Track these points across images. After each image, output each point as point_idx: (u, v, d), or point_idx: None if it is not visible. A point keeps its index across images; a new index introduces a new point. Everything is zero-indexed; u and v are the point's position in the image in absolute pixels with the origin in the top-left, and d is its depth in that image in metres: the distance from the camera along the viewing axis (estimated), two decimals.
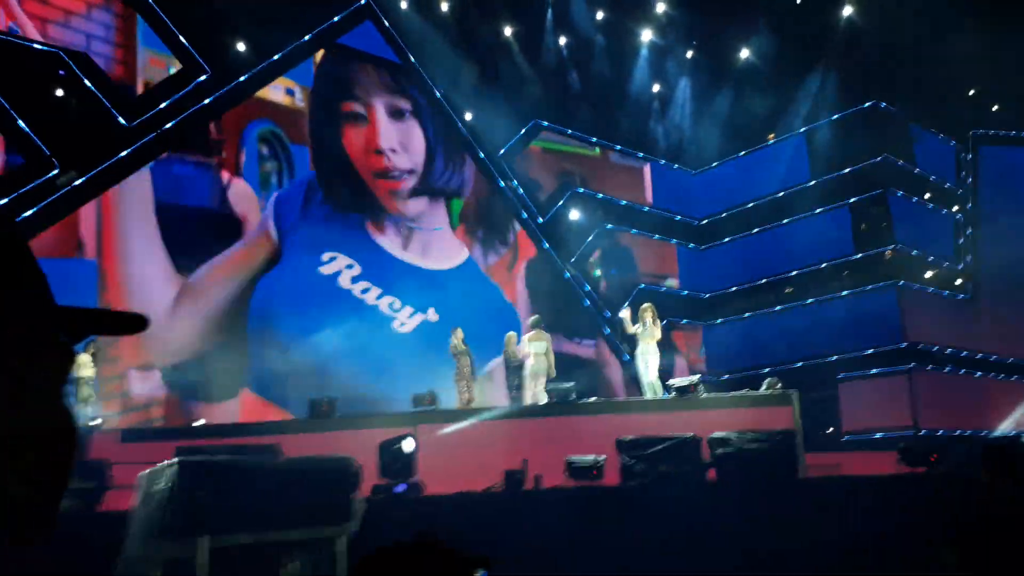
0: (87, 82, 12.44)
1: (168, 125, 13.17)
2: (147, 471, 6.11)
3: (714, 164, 19.18)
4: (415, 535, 1.37)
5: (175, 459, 6.24)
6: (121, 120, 12.76)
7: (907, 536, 5.75)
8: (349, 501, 6.88)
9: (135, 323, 0.77)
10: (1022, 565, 2.49)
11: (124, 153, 12.73)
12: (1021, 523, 2.60)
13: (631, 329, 11.89)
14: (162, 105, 13.17)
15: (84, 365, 9.98)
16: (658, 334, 11.81)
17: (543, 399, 11.30)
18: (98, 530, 6.33)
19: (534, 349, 11.63)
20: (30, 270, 0.69)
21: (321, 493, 6.71)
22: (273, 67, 14.39)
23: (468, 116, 16.52)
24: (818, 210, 17.14)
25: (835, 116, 17.21)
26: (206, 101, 13.57)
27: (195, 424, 10.42)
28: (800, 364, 15.24)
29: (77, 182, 12.27)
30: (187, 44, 13.49)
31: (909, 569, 5.15)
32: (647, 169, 19.12)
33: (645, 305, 12.04)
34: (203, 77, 13.60)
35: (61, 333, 0.70)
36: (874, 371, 15.31)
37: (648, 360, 11.69)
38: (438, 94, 16.23)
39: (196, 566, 5.71)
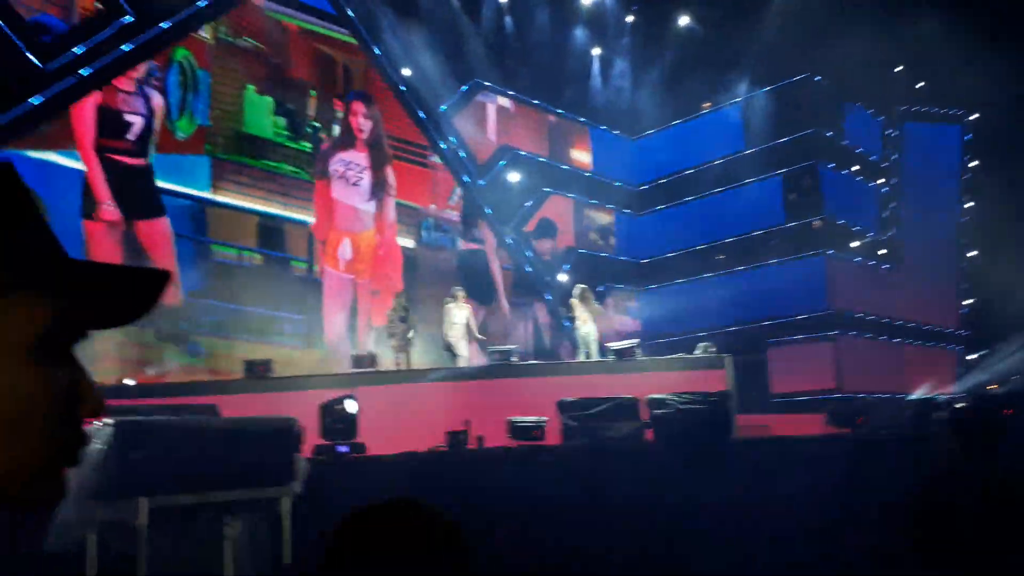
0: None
1: (85, 72, 12.48)
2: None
3: (652, 131, 19.35)
4: (394, 497, 1.32)
5: (110, 419, 6.03)
6: (36, 62, 12.01)
7: (842, 493, 6.03)
8: (292, 461, 6.79)
9: (160, 278, 0.70)
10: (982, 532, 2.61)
11: (39, 97, 12.00)
12: (988, 490, 2.72)
13: (576, 313, 12.25)
14: (80, 48, 12.44)
15: None
16: (598, 309, 12.26)
17: (463, 363, 11.54)
18: None
19: (456, 317, 11.81)
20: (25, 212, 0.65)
21: (263, 453, 6.60)
22: (201, 13, 13.74)
23: (406, 72, 16.18)
24: (751, 180, 17.54)
25: (769, 88, 17.55)
26: (127, 47, 12.89)
27: (125, 382, 10.07)
28: (732, 329, 15.68)
29: None
30: None
31: (846, 527, 5.40)
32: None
33: (583, 290, 12.35)
34: (127, 19, 12.92)
35: (42, 283, 0.65)
36: (802, 336, 15.88)
37: (589, 334, 12.02)
38: (376, 50, 15.83)
39: (135, 528, 5.56)
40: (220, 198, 13.70)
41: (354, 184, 15.41)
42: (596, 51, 18.74)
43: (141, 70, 13.23)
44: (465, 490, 7.09)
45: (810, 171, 17.00)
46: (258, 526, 6.48)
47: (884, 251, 18.11)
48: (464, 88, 17.10)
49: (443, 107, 16.58)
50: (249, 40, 14.42)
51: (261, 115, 14.55)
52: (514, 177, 17.37)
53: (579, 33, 18.21)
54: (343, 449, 8.03)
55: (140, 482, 5.75)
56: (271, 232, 14.29)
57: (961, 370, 18.33)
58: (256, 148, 14.35)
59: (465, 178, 16.83)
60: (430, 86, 16.20)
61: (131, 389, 9.72)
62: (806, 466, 6.80)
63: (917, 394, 13.74)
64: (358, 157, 15.52)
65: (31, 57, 11.94)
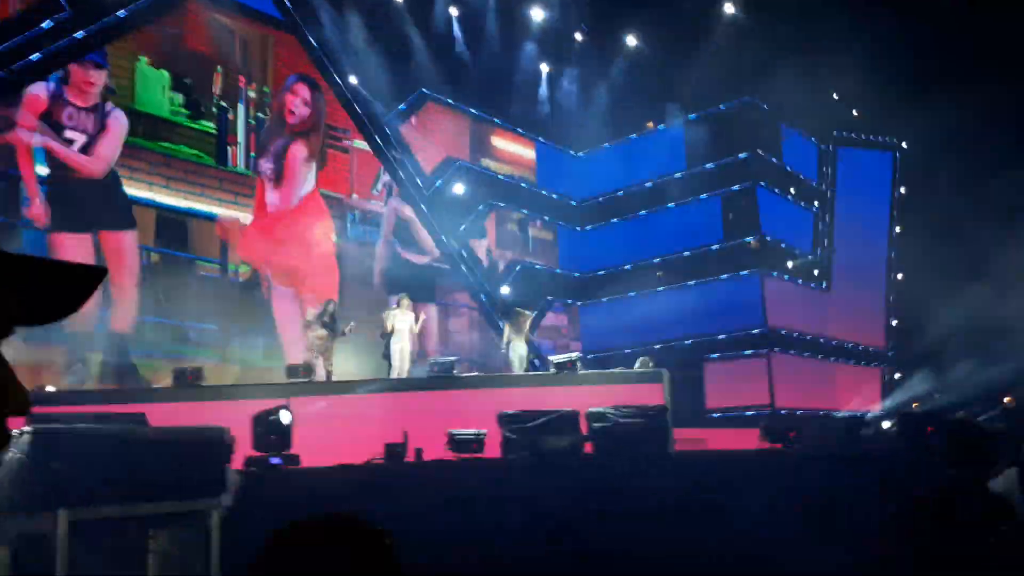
0: None
1: (15, 65, 12.00)
2: None
3: (597, 148, 19.57)
4: (326, 514, 1.27)
5: (28, 427, 5.75)
6: None
7: (781, 504, 6.12)
8: (222, 473, 6.59)
9: (93, 274, 0.67)
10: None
11: None
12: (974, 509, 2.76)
13: (507, 338, 12.19)
14: (8, 43, 11.96)
15: None
16: (527, 334, 12.28)
17: (405, 372, 11.37)
18: None
19: (399, 324, 11.59)
20: None
21: (192, 464, 6.37)
22: (141, 13, 13.33)
23: (353, 80, 16.01)
24: (691, 198, 17.88)
25: (711, 109, 17.95)
26: (60, 43, 12.44)
27: (47, 389, 9.63)
28: (669, 345, 15.90)
29: None
30: None
31: (781, 539, 5.47)
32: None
33: (518, 314, 12.41)
34: (62, 15, 12.46)
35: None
36: (737, 353, 16.20)
37: (523, 357, 12.08)
38: (323, 56, 15.63)
39: (54, 541, 5.29)
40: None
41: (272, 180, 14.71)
42: (544, 67, 18.87)
43: (99, 84, 12.69)
44: (402, 504, 6.98)
45: (748, 192, 17.41)
46: (185, 540, 6.25)
47: (817, 271, 18.64)
48: (412, 97, 16.99)
49: (388, 114, 16.41)
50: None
51: (155, 91, 13.36)
52: (459, 189, 17.31)
53: (528, 48, 18.31)
54: (276, 461, 7.83)
55: (60, 493, 5.48)
56: (172, 226, 13.12)
57: (886, 388, 18.97)
58: (151, 128, 13.18)
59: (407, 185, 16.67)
60: (373, 88, 16.00)
61: (53, 396, 9.30)
62: (742, 479, 6.90)
63: (846, 411, 14.14)
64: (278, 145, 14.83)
65: None
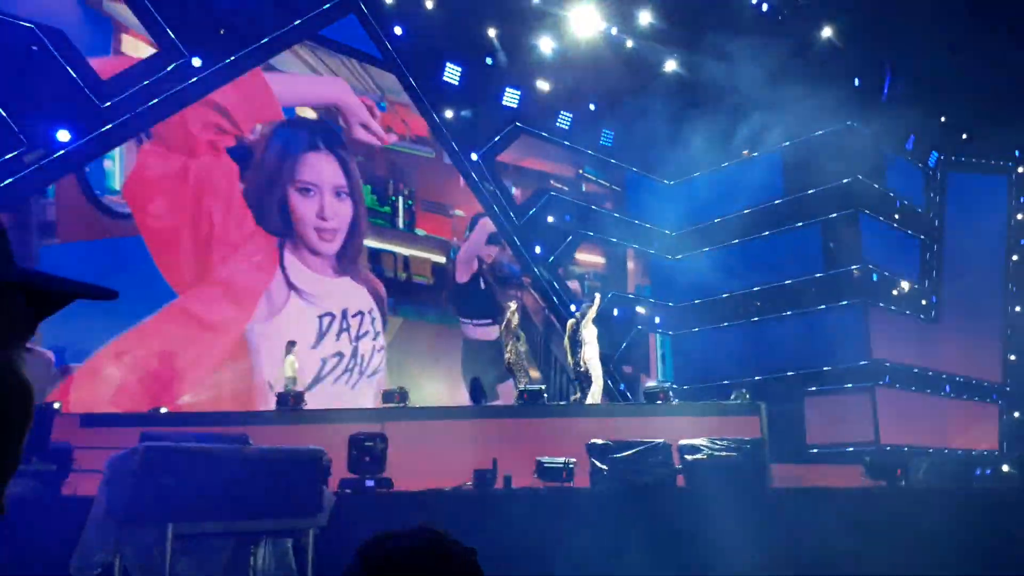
0: (60, 59, 12.13)
1: (140, 109, 12.91)
2: (114, 455, 5.94)
3: (690, 176, 19.33)
4: (416, 527, 1.30)
5: (141, 444, 6.09)
6: (94, 100, 12.47)
7: (882, 546, 5.82)
8: (319, 493, 6.78)
9: (105, 294, 0.73)
10: None
11: (94, 134, 12.43)
12: None
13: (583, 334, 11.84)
14: (135, 88, 12.89)
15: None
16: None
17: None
18: (59, 514, 6.13)
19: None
20: None
21: (291, 484, 6.59)
22: (254, 54, 14.17)
23: (448, 114, 16.45)
24: (789, 226, 17.38)
25: (810, 135, 17.45)
26: (182, 86, 13.33)
27: (161, 411, 10.19)
28: (767, 377, 15.41)
29: (44, 160, 11.98)
30: (165, 25, 13.23)
31: None
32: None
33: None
34: (180, 61, 13.37)
35: (19, 295, 0.67)
36: (839, 386, 15.53)
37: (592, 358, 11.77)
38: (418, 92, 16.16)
39: (160, 553, 5.57)
40: None
41: None
42: (638, 97, 18.80)
43: None
44: (489, 530, 7.00)
45: (850, 219, 16.79)
46: (282, 557, 6.46)
47: (925, 302, 17.74)
48: (506, 130, 17.30)
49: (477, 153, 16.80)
50: None
51: None
52: (549, 219, 17.44)
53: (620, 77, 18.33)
54: (370, 483, 8.00)
55: (167, 508, 5.77)
56: None
57: (1004, 427, 17.76)
58: None
59: (501, 219, 16.93)
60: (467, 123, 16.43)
61: (163, 416, 9.82)
62: (843, 517, 6.59)
63: (958, 448, 13.31)
64: None
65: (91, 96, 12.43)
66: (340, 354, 14.48)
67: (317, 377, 13.25)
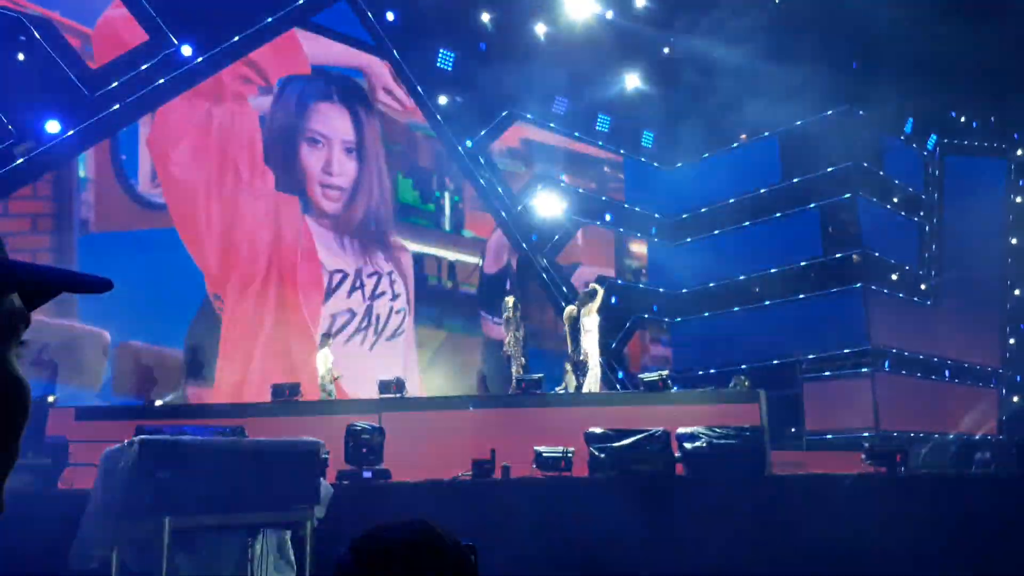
0: (48, 49, 12.00)
1: (130, 98, 12.79)
2: (110, 449, 5.89)
3: (687, 162, 19.24)
4: (410, 520, 1.29)
5: (137, 438, 6.03)
6: (84, 90, 12.34)
7: (886, 532, 5.79)
8: (317, 485, 6.75)
9: (98, 285, 0.69)
10: None
11: (84, 124, 12.32)
12: None
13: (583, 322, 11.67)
14: (125, 77, 12.76)
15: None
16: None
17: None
18: (55, 508, 6.09)
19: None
20: None
21: (289, 476, 6.55)
22: (242, 42, 14.02)
23: (442, 100, 16.32)
24: (788, 211, 17.31)
25: (808, 119, 17.35)
26: (173, 74, 13.20)
27: (155, 403, 10.14)
28: (765, 364, 15.37)
29: (34, 152, 11.87)
30: (154, 15, 13.09)
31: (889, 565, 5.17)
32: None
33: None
34: (170, 50, 13.23)
35: (10, 289, 0.66)
36: (839, 372, 15.51)
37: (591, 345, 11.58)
38: (412, 80, 16.02)
39: (158, 545, 5.52)
40: None
41: None
42: (634, 82, 18.69)
43: None
44: (488, 520, 6.97)
45: (849, 204, 16.72)
46: (280, 549, 6.43)
47: (924, 286, 17.70)
48: (500, 117, 17.16)
49: (471, 140, 16.63)
50: None
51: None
52: (543, 206, 17.30)
53: (614, 62, 18.21)
54: (367, 474, 7.96)
55: (164, 501, 5.73)
56: None
57: (1004, 410, 17.77)
58: None
59: (498, 208, 16.81)
60: (459, 108, 16.24)
61: (159, 409, 9.78)
62: (844, 503, 6.57)
63: (958, 433, 13.31)
64: None
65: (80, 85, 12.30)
66: (351, 311, 14.09)
67: (327, 332, 12.82)
